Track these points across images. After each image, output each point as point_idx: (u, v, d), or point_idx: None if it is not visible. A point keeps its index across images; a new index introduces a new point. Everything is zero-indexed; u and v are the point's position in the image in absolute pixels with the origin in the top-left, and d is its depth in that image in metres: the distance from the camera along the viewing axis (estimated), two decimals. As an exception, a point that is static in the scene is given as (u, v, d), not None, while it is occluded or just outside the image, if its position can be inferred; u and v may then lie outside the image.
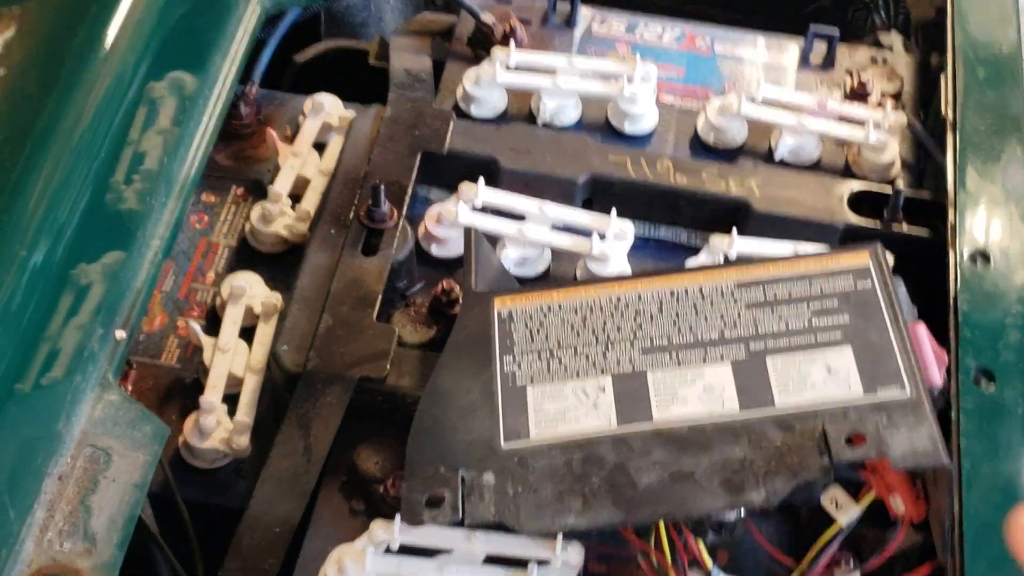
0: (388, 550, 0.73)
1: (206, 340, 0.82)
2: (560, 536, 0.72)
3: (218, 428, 0.79)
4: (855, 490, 0.73)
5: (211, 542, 0.77)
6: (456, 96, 0.94)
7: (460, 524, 0.67)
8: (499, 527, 0.68)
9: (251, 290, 0.84)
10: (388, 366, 0.78)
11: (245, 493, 0.77)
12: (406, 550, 0.73)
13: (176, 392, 0.83)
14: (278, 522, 0.75)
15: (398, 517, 0.72)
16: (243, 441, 0.78)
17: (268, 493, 0.76)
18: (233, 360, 0.81)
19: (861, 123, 0.93)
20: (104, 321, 0.74)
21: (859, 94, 0.98)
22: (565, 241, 0.86)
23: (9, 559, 0.65)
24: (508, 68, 0.93)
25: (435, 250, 0.87)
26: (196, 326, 0.83)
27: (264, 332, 0.82)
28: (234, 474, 0.80)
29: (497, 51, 0.94)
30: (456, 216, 0.84)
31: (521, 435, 0.69)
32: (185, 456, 0.80)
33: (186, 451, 0.80)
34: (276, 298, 0.84)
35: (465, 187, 0.86)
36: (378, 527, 0.73)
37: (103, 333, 0.74)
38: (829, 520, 0.73)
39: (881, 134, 0.92)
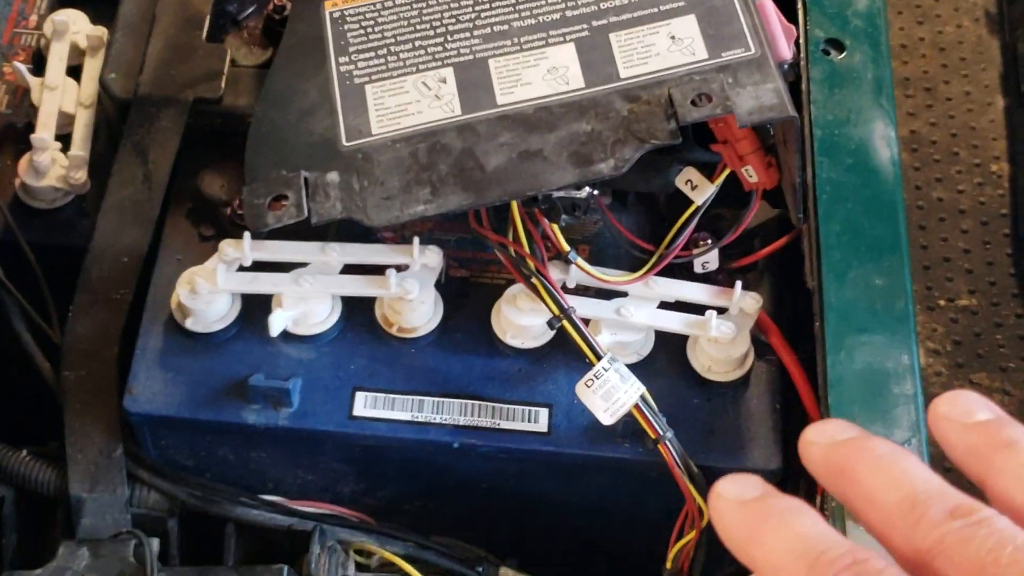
0: (241, 268, 0.71)
1: (33, 80, 0.77)
2: (417, 240, 0.70)
3: (54, 166, 0.75)
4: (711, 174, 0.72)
5: (61, 283, 0.74)
6: None
7: (307, 224, 0.64)
8: (347, 224, 0.65)
9: (75, 26, 0.79)
10: (223, 85, 0.74)
11: (89, 231, 0.74)
12: (260, 268, 0.71)
13: (9, 138, 0.79)
14: (125, 252, 0.72)
15: (247, 234, 0.70)
16: (80, 176, 0.75)
17: (111, 223, 0.73)
18: (63, 97, 0.76)
19: None
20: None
21: None
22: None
23: None
24: None
25: (266, -30, 0.83)
26: (21, 67, 0.78)
27: (92, 66, 0.78)
28: (76, 212, 0.76)
29: None
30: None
31: (363, 132, 0.66)
32: (24, 198, 0.76)
33: (24, 193, 0.76)
34: (101, 31, 0.79)
35: None
36: (228, 245, 0.70)
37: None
38: (688, 206, 0.72)
39: None
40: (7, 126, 0.79)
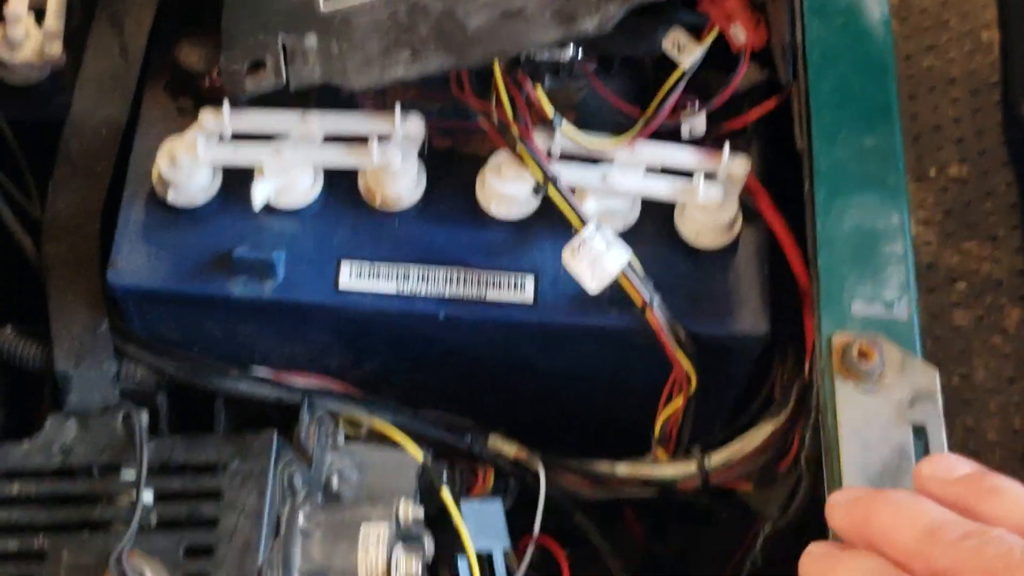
0: (221, 139, 0.69)
1: (4, -48, 0.74)
2: (399, 107, 0.68)
3: (28, 39, 0.72)
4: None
5: (39, 159, 0.72)
6: None
7: (287, 92, 0.62)
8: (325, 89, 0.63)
9: None
10: (197, -46, 0.72)
11: (66, 105, 0.72)
12: (240, 139, 0.69)
13: (-19, 15, 0.76)
14: (104, 124, 0.70)
15: (226, 102, 0.68)
16: (55, 48, 0.72)
17: (89, 96, 0.71)
18: (35, -31, 0.74)
19: None
20: None
21: None
22: None
23: None
24: None
25: None
26: (-10, -61, 0.75)
27: (64, -64, 0.75)
28: (52, 87, 0.74)
29: None
30: None
31: (341, -5, 0.64)
32: (-2, 74, 0.74)
33: (-2, 68, 0.74)
34: (73, -99, 0.76)
35: None
36: (207, 114, 0.68)
37: None
38: (675, 70, 0.70)
39: None
40: (-22, 2, 0.76)
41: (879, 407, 0.58)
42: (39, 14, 0.73)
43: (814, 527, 0.54)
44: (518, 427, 0.75)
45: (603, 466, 0.72)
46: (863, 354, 0.59)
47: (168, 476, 0.63)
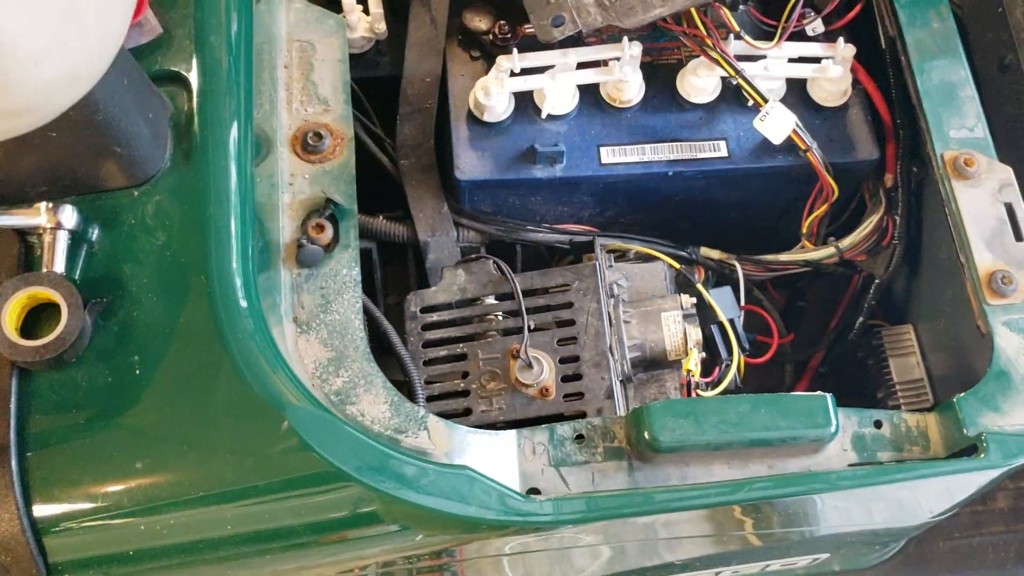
0: (512, 74, 0.92)
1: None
2: (626, 38, 0.92)
3: (360, 21, 0.94)
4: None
5: (377, 105, 0.95)
6: None
7: (578, 36, 0.86)
8: (606, 30, 0.87)
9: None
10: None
11: (389, 64, 0.94)
12: (523, 74, 0.92)
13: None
14: (427, 74, 0.93)
15: (515, 49, 0.91)
16: (381, 26, 0.94)
17: (415, 56, 0.93)
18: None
19: None
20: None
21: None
22: None
23: (276, 127, 0.81)
24: None
25: None
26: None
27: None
28: (376, 53, 0.96)
29: None
30: None
31: (601, -31, 0.88)
32: (337, 47, 0.95)
33: (337, 43, 0.95)
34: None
35: None
36: (503, 59, 0.91)
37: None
38: (789, -10, 0.95)
39: None
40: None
41: (980, 195, 0.86)
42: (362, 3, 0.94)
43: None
44: (697, 241, 1.01)
45: (770, 257, 0.99)
46: (967, 162, 0.87)
47: (534, 296, 0.88)
